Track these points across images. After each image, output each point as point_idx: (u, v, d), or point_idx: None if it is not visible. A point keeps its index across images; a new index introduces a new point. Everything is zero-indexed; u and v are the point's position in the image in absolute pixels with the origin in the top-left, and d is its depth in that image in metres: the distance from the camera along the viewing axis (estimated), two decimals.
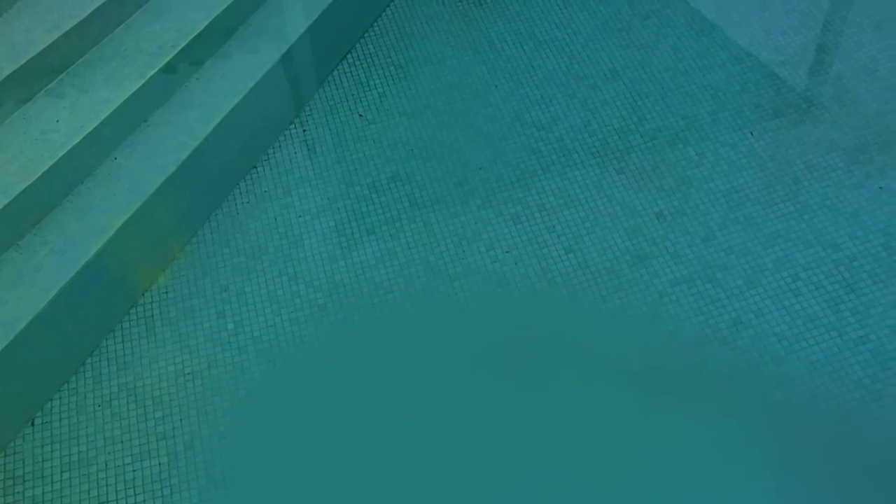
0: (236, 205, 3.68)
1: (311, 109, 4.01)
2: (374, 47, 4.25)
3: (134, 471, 2.97)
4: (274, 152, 3.85)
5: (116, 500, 2.91)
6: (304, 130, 3.93)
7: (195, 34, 3.64)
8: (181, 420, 3.08)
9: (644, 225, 3.60)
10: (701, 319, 3.33)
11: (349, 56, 4.22)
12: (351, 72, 4.16)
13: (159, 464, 2.98)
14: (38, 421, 3.07)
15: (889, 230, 3.55)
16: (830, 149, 3.81)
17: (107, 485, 2.94)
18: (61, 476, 2.95)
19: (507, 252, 3.53)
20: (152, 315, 3.33)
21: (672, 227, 3.59)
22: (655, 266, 3.48)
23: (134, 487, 2.93)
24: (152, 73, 3.49)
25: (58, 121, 3.27)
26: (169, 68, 3.55)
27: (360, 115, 4.00)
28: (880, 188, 3.68)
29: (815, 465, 3.01)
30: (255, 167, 3.80)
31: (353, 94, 4.08)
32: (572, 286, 3.42)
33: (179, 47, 3.58)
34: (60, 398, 3.12)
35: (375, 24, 4.34)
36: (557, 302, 3.39)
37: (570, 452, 3.04)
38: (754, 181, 3.73)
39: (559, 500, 2.95)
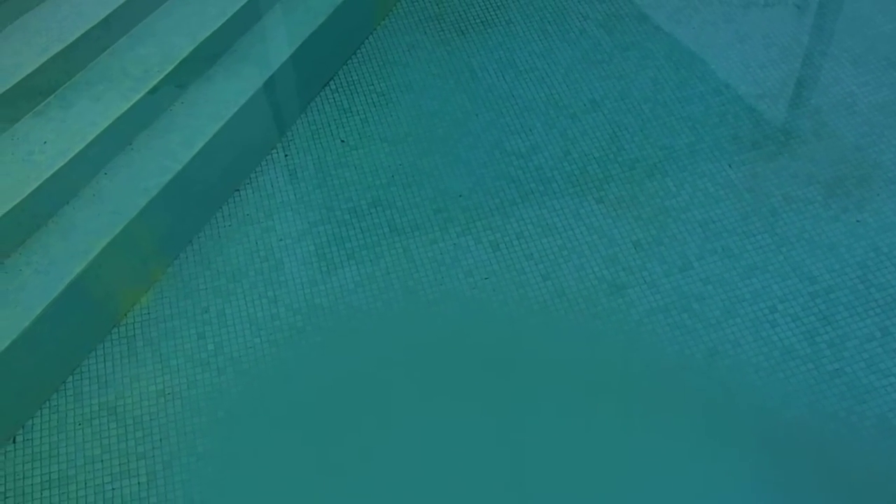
0: (218, 228, 3.95)
1: (293, 135, 4.30)
2: (356, 75, 4.57)
3: (113, 489, 3.19)
4: (256, 176, 4.14)
5: None
6: (286, 155, 4.24)
7: (180, 59, 3.94)
8: (160, 440, 3.31)
9: (621, 254, 3.88)
10: (677, 349, 3.55)
11: (332, 83, 4.53)
12: (333, 98, 4.47)
13: (138, 483, 3.21)
14: (19, 438, 3.30)
15: (866, 263, 3.79)
16: (808, 182, 4.08)
17: (86, 503, 3.17)
18: (41, 494, 3.17)
19: (485, 279, 3.80)
20: (134, 335, 3.58)
21: (649, 256, 3.86)
22: (632, 295, 3.73)
23: None
24: (137, 96, 3.78)
25: (44, 142, 3.57)
26: (154, 92, 3.85)
27: (342, 141, 4.31)
28: (857, 221, 3.93)
29: (791, 496, 3.22)
30: (238, 191, 4.08)
31: (335, 121, 4.39)
32: (549, 313, 3.68)
33: (164, 72, 3.88)
34: (41, 416, 3.35)
35: (358, 51, 4.66)
36: (534, 329, 3.64)
37: (548, 479, 3.24)
38: (731, 212, 3.98)
39: None
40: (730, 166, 4.18)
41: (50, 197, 3.50)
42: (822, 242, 3.90)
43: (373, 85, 4.53)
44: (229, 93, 4.04)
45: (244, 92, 4.04)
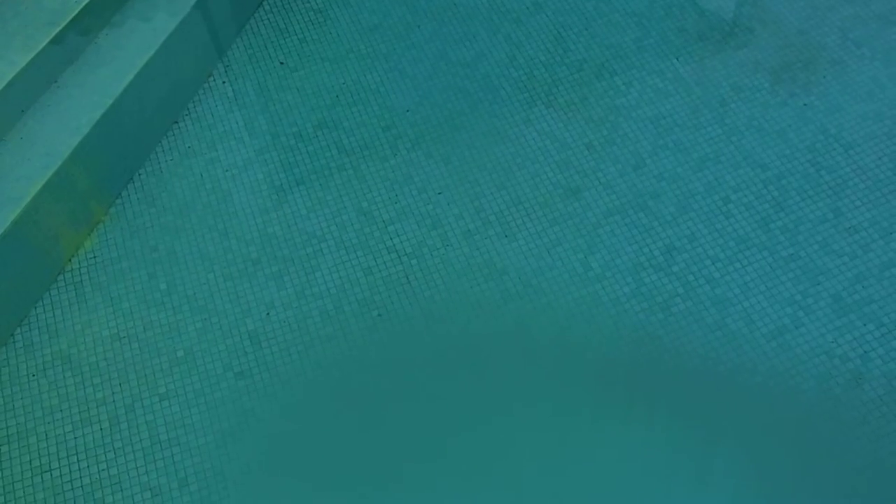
0: (160, 163, 3.62)
1: (230, 60, 3.93)
2: None
3: (76, 438, 2.97)
4: (195, 106, 3.78)
5: (59, 467, 2.92)
6: (224, 82, 3.85)
7: None
8: (120, 384, 3.08)
9: (575, 157, 3.65)
10: (635, 248, 3.41)
11: (266, 3, 4.12)
12: (269, 19, 4.08)
13: (101, 429, 2.99)
14: None
15: (815, 146, 3.66)
16: (755, 70, 3.89)
17: (48, 454, 2.94)
18: None
19: (439, 193, 3.55)
20: (81, 281, 3.29)
21: (602, 157, 3.65)
22: (588, 198, 3.54)
23: (77, 454, 2.94)
24: (57, 30, 3.36)
25: None
26: (75, 25, 3.43)
27: (282, 63, 3.94)
28: (805, 105, 3.78)
29: (750, 383, 3.14)
30: (177, 122, 3.72)
31: (272, 42, 4.00)
32: (506, 223, 3.46)
33: (84, 2, 3.45)
34: None
35: None
36: (492, 239, 3.43)
37: (510, 380, 3.14)
38: (682, 106, 3.79)
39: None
40: (677, 60, 3.92)
41: None
42: (772, 129, 3.74)
43: (309, 2, 4.13)
44: (157, 20, 3.62)
45: (173, 17, 3.63)
